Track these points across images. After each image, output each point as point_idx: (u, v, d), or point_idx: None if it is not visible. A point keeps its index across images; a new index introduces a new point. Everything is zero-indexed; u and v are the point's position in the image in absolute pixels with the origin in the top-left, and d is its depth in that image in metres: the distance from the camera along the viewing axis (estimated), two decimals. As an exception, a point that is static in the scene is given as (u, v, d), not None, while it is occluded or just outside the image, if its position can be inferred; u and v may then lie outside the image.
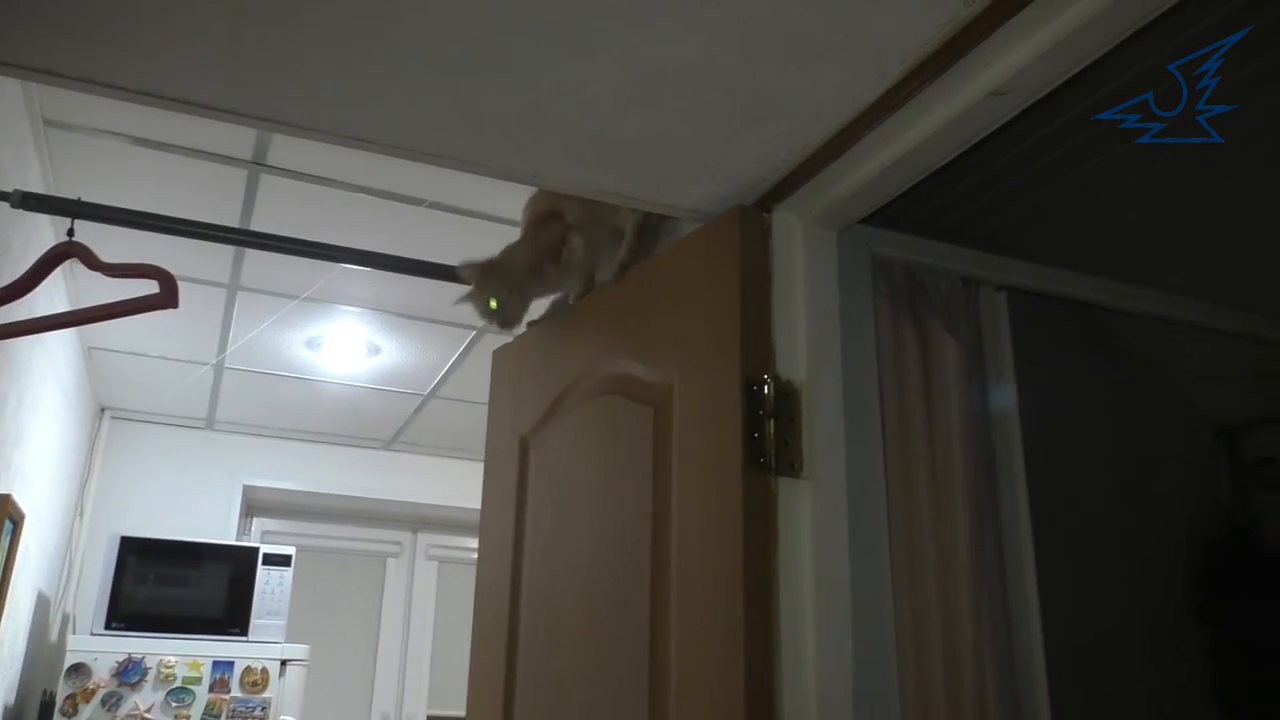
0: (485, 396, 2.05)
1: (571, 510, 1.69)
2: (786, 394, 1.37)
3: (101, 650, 3.42)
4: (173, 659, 3.47)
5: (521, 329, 1.86)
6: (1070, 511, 2.07)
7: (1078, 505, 2.13)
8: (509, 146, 1.37)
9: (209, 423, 4.56)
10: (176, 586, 3.72)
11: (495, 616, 1.81)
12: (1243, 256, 2.09)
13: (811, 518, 1.33)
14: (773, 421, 1.35)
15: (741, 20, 1.11)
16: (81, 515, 4.12)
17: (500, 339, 2.53)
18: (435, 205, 2.58)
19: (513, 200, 1.88)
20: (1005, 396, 1.68)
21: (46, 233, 2.50)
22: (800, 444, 1.36)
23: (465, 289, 1.79)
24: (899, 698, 1.36)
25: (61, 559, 3.95)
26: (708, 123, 1.30)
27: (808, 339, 1.41)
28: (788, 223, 1.47)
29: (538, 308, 1.89)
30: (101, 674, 3.37)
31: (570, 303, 1.85)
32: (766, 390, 1.36)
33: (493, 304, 1.74)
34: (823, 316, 1.43)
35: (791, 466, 1.35)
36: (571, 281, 1.80)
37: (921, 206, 1.66)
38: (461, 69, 1.20)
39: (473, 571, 1.94)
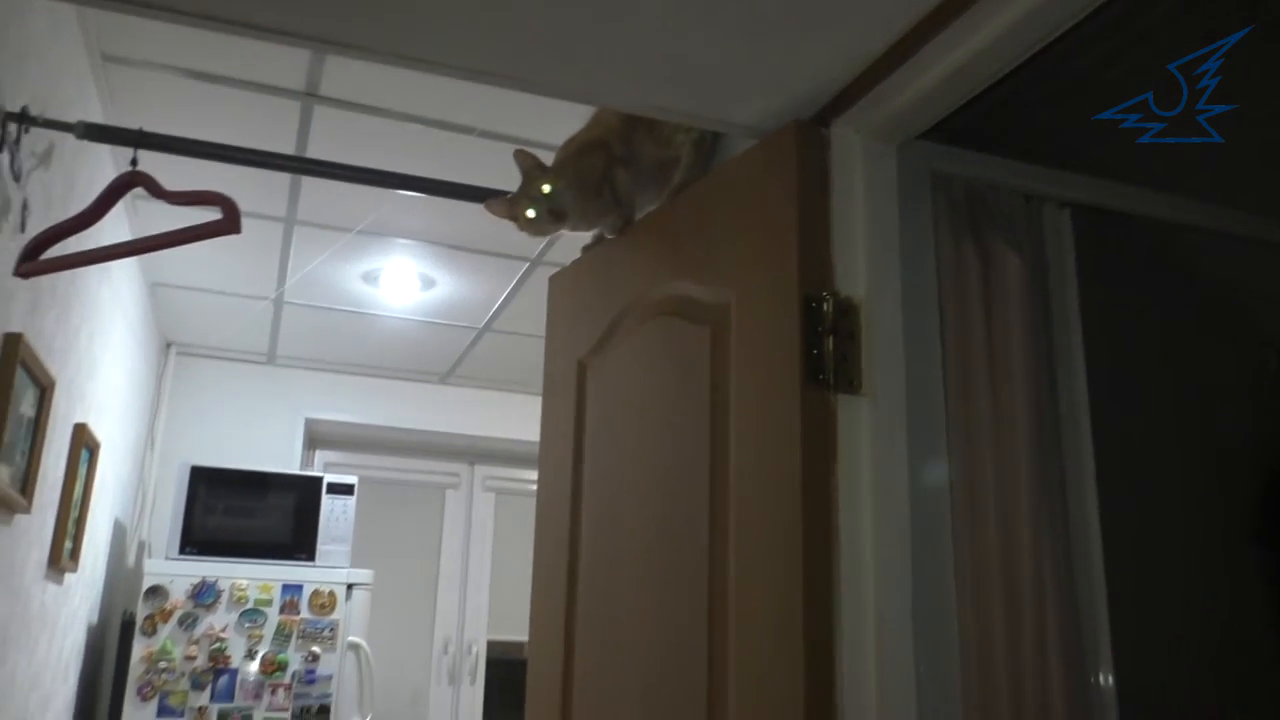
0: (540, 330, 2.06)
1: (630, 432, 1.71)
2: (845, 310, 1.36)
3: (177, 574, 3.55)
4: (244, 582, 3.59)
5: (562, 252, 1.83)
6: (1132, 432, 2.04)
7: (1139, 425, 2.09)
8: (562, 64, 1.36)
9: (270, 357, 4.65)
10: (246, 514, 3.84)
11: (556, 539, 1.84)
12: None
13: (870, 434, 1.33)
14: (831, 338, 1.35)
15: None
16: (152, 446, 4.26)
17: (556, 268, 2.54)
18: (485, 133, 2.57)
19: (562, 127, 1.87)
20: (1068, 314, 1.65)
21: (108, 166, 2.55)
22: (859, 360, 1.35)
23: (500, 198, 1.77)
24: (956, 613, 1.36)
25: (135, 488, 4.10)
26: (764, 33, 1.28)
27: (867, 255, 1.39)
28: (846, 137, 1.44)
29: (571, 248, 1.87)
30: (178, 595, 3.51)
31: (609, 237, 1.84)
32: (825, 307, 1.36)
33: (541, 199, 1.68)
34: (882, 232, 1.41)
35: (850, 383, 1.34)
36: (611, 218, 1.78)
37: (983, 122, 1.62)
38: (515, -17, 1.19)
39: (529, 503, 1.97)
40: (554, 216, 1.71)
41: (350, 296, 3.87)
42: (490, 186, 2.08)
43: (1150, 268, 2.20)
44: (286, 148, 2.67)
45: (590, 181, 1.74)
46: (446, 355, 4.62)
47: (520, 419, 4.54)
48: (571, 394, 1.87)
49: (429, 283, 3.72)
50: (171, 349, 4.45)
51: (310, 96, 2.45)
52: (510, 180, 1.86)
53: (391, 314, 4.07)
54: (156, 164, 1.96)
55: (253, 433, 4.56)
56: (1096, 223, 1.76)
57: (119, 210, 1.84)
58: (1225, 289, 2.40)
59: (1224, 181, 2.00)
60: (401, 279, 3.67)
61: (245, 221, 2.16)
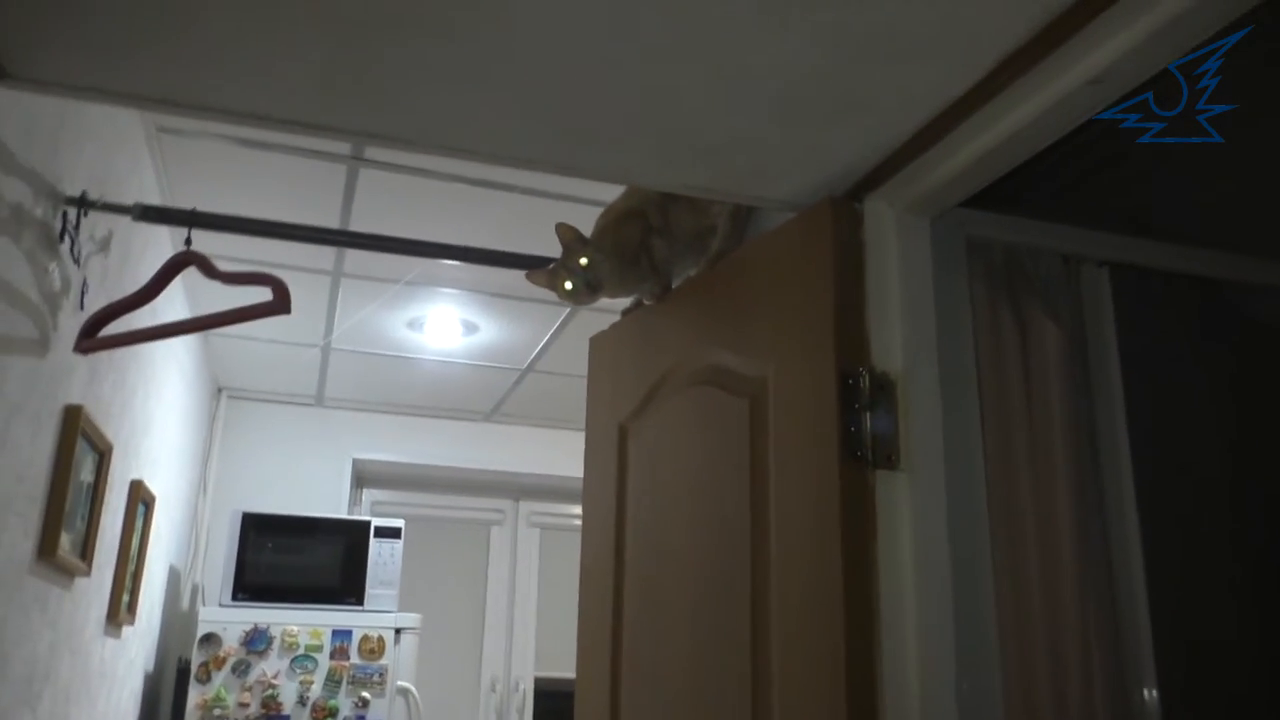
0: (580, 369, 2.10)
1: (671, 498, 1.73)
2: (882, 386, 1.37)
3: (230, 620, 3.62)
4: (295, 628, 3.65)
5: (599, 303, 1.86)
6: (1179, 487, 2.01)
7: (1186, 479, 2.07)
8: (602, 150, 1.40)
9: (319, 400, 4.74)
10: (296, 559, 3.91)
11: (600, 601, 1.86)
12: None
13: (910, 511, 1.34)
14: (869, 414, 1.36)
15: (832, 25, 1.10)
16: (205, 491, 4.34)
17: (595, 322, 2.57)
18: (528, 191, 2.62)
19: (603, 186, 1.89)
20: (1109, 377, 1.65)
21: (164, 240, 2.63)
22: (897, 436, 1.36)
23: (541, 268, 1.82)
24: (1002, 690, 1.36)
25: (188, 532, 4.18)
26: (798, 120, 1.30)
27: (903, 329, 1.40)
28: (879, 212, 1.46)
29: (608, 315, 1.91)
30: (231, 643, 3.57)
31: (647, 304, 1.88)
32: (862, 383, 1.37)
33: (576, 274, 1.73)
34: (918, 306, 1.42)
35: (889, 459, 1.35)
36: (648, 285, 1.82)
37: (1019, 183, 1.63)
38: (558, 80, 1.22)
39: (574, 537, 2.00)
40: (591, 288, 1.74)
41: (395, 342, 3.94)
42: (533, 242, 2.13)
43: (1193, 316, 2.18)
44: (333, 209, 2.73)
45: (628, 251, 1.77)
46: (490, 395, 4.67)
47: (563, 454, 4.56)
48: (613, 457, 1.90)
49: (472, 328, 3.78)
50: (223, 394, 4.55)
51: (356, 160, 2.51)
52: (550, 234, 1.90)
53: (435, 357, 4.13)
54: (210, 233, 2.03)
55: (302, 473, 4.64)
56: (1135, 278, 1.75)
57: (175, 282, 1.90)
58: (1271, 333, 2.37)
59: (1259, 231, 1.98)
60: (445, 325, 3.73)
61: (294, 275, 2.21)
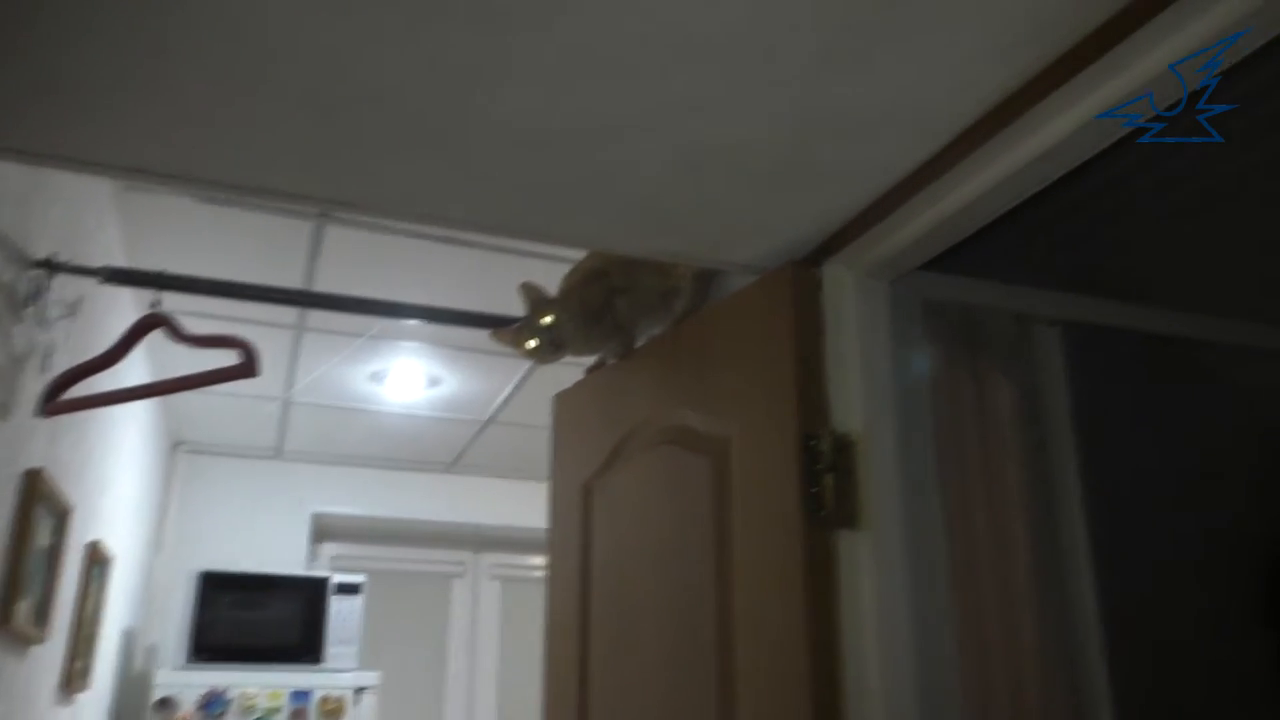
0: (543, 420, 2.12)
1: (636, 556, 1.74)
2: (843, 447, 1.41)
3: (186, 683, 3.54)
4: (254, 690, 3.58)
5: (562, 360, 1.89)
6: (1135, 534, 2.07)
7: (1142, 527, 2.12)
8: (567, 216, 1.43)
9: (278, 453, 4.69)
10: (254, 617, 3.84)
11: (565, 659, 1.86)
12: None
13: (872, 569, 1.36)
14: (830, 475, 1.39)
15: (791, 103, 1.15)
16: (161, 548, 4.27)
17: (558, 374, 2.59)
18: (493, 248, 2.65)
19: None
20: (1061, 432, 1.69)
21: (128, 301, 2.62)
22: (858, 497, 1.39)
23: (506, 327, 1.85)
24: (964, 745, 1.38)
25: (143, 591, 4.10)
26: (757, 190, 1.34)
27: (862, 391, 1.44)
28: (839, 275, 1.50)
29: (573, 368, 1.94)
30: (187, 707, 3.50)
31: (609, 363, 1.91)
32: (823, 444, 1.40)
33: (540, 333, 1.76)
34: (876, 368, 1.46)
35: (850, 519, 1.38)
36: (613, 344, 1.85)
37: (971, 243, 1.69)
38: (524, 153, 1.26)
39: (536, 588, 2.00)
40: (555, 347, 1.77)
41: (357, 395, 3.92)
42: (499, 297, 2.16)
43: (1144, 370, 2.25)
44: (299, 264, 2.74)
45: (592, 310, 1.80)
46: (451, 446, 4.66)
47: (525, 505, 4.56)
48: (578, 516, 1.91)
49: (435, 381, 3.78)
50: (179, 448, 4.49)
51: (322, 216, 2.53)
52: (517, 290, 1.93)
53: (397, 410, 4.12)
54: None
55: (260, 527, 4.58)
56: (1086, 336, 1.81)
57: (138, 346, 1.90)
58: (1220, 380, 2.45)
59: (1203, 287, 2.06)
60: (408, 378, 3.73)
61: (256, 329, 2.21)
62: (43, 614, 2.05)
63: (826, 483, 1.38)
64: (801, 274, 1.49)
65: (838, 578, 1.36)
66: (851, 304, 1.49)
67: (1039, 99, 1.10)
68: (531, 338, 1.77)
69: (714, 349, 1.61)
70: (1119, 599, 1.70)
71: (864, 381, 1.44)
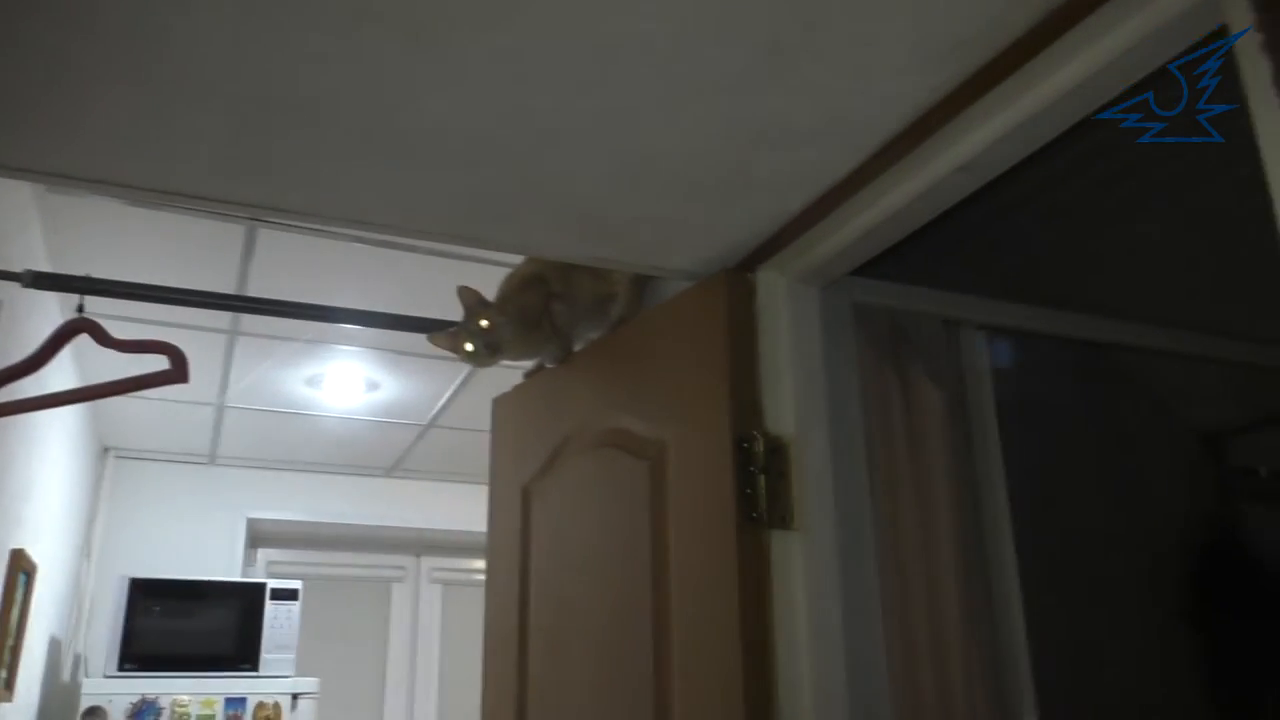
0: (483, 424, 2.12)
1: (575, 558, 1.75)
2: (776, 449, 1.43)
3: (116, 692, 3.47)
4: (186, 698, 3.52)
5: (501, 364, 1.89)
6: (1059, 534, 2.13)
7: (1066, 527, 2.19)
8: (501, 224, 1.44)
9: (211, 458, 4.61)
10: (187, 625, 3.77)
11: (504, 661, 1.87)
12: (1214, 283, 2.15)
13: (804, 569, 1.39)
14: (764, 477, 1.41)
15: (723, 114, 1.17)
16: (89, 556, 4.17)
17: (499, 377, 2.59)
18: (431, 251, 2.64)
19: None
20: (987, 435, 1.74)
21: (53, 306, 2.56)
22: (791, 498, 1.42)
23: (443, 330, 1.85)
24: (893, 740, 1.42)
25: (71, 601, 4.00)
26: (692, 199, 1.36)
27: (795, 395, 1.47)
28: (772, 282, 1.53)
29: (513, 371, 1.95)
30: (117, 716, 3.42)
31: (548, 367, 1.92)
32: (756, 447, 1.42)
33: (476, 337, 1.76)
34: (808, 372, 1.49)
35: (783, 519, 1.41)
36: (551, 348, 1.86)
37: (900, 249, 1.73)
38: (456, 160, 1.26)
39: (477, 592, 2.00)
40: (491, 350, 1.77)
41: (293, 399, 3.87)
42: (435, 302, 2.15)
43: (1068, 372, 2.32)
44: (231, 268, 2.70)
45: (530, 315, 1.81)
46: (391, 451, 4.62)
47: (466, 509, 4.54)
48: (517, 519, 1.92)
49: (373, 385, 3.74)
50: (109, 453, 4.39)
51: (254, 221, 2.49)
52: (453, 293, 1.92)
53: (335, 414, 4.07)
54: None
55: (193, 534, 4.50)
56: (1012, 340, 1.87)
57: (64, 350, 1.86)
58: (1143, 383, 2.53)
59: (1126, 293, 2.13)
60: (346, 383, 3.69)
61: (189, 334, 2.17)
62: (-36, 626, 2.00)
63: (760, 484, 1.40)
64: (735, 280, 1.52)
65: (771, 577, 1.39)
66: (784, 309, 1.51)
67: (958, 112, 1.13)
68: (468, 341, 1.77)
69: (650, 354, 1.63)
70: (1044, 597, 1.76)
71: (796, 385, 1.47)
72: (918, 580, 1.53)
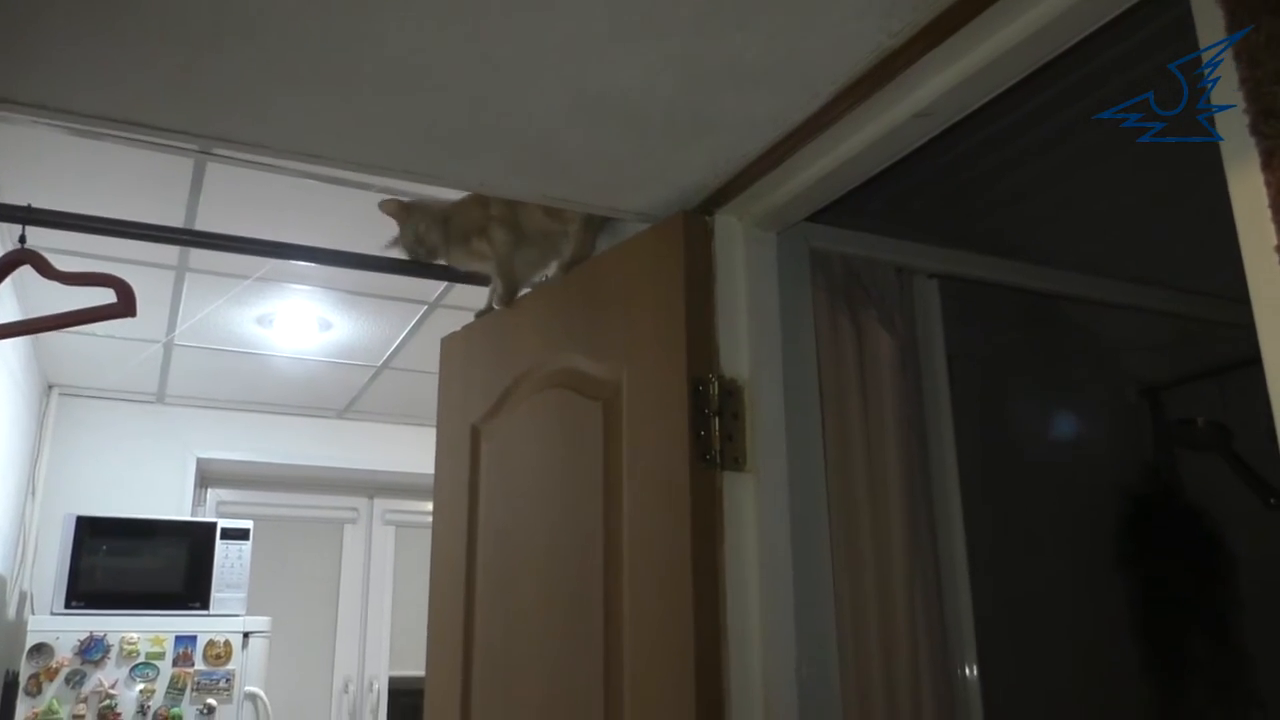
0: (437, 365, 2.12)
1: (525, 498, 1.76)
2: (730, 392, 1.45)
3: (62, 629, 3.44)
4: (135, 635, 3.50)
5: (459, 300, 1.96)
6: (1003, 478, 2.19)
7: (1010, 472, 2.25)
8: (456, 160, 1.42)
9: (160, 397, 4.54)
10: (135, 563, 3.74)
11: (451, 602, 1.88)
12: (1159, 235, 2.19)
13: (755, 510, 1.42)
14: (718, 419, 1.43)
15: (682, 54, 1.16)
16: (34, 494, 4.11)
17: (454, 319, 2.57)
18: (383, 190, 2.59)
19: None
20: (937, 382, 1.78)
21: (-10, 224, 2.49)
22: (744, 440, 1.44)
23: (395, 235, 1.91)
24: (838, 673, 1.46)
25: (15, 539, 3.95)
26: (648, 138, 1.36)
27: (750, 338, 1.48)
28: (729, 225, 1.53)
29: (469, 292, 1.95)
30: (64, 653, 3.40)
31: (495, 307, 1.91)
32: (711, 389, 1.44)
33: (413, 233, 1.88)
34: (764, 316, 1.50)
35: (736, 461, 1.43)
36: (496, 281, 1.87)
37: (856, 196, 1.74)
38: (409, 91, 1.24)
39: (429, 534, 2.01)
40: (428, 250, 1.89)
41: (244, 338, 3.82)
42: (387, 240, 2.13)
43: (1016, 321, 2.37)
44: (179, 202, 2.64)
45: (462, 227, 1.85)
46: (344, 392, 4.58)
47: (419, 451, 4.49)
48: (465, 458, 1.92)
49: (326, 325, 3.70)
50: (54, 391, 4.31)
51: (203, 154, 2.43)
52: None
53: (287, 354, 4.02)
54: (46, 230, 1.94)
55: (142, 474, 4.45)
56: (963, 287, 1.89)
57: (5, 283, 1.81)
58: (1086, 334, 2.59)
59: (1075, 244, 2.17)
60: (298, 322, 3.64)
61: (136, 269, 2.12)
62: (-95, 562, 1.96)
63: (714, 426, 1.42)
64: (692, 223, 1.52)
65: (723, 517, 1.41)
66: (740, 253, 1.52)
67: (918, 57, 1.13)
68: (407, 236, 1.87)
69: (605, 295, 1.63)
70: (987, 541, 1.81)
71: (752, 328, 1.49)
72: (866, 522, 1.56)
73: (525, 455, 1.78)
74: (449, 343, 2.09)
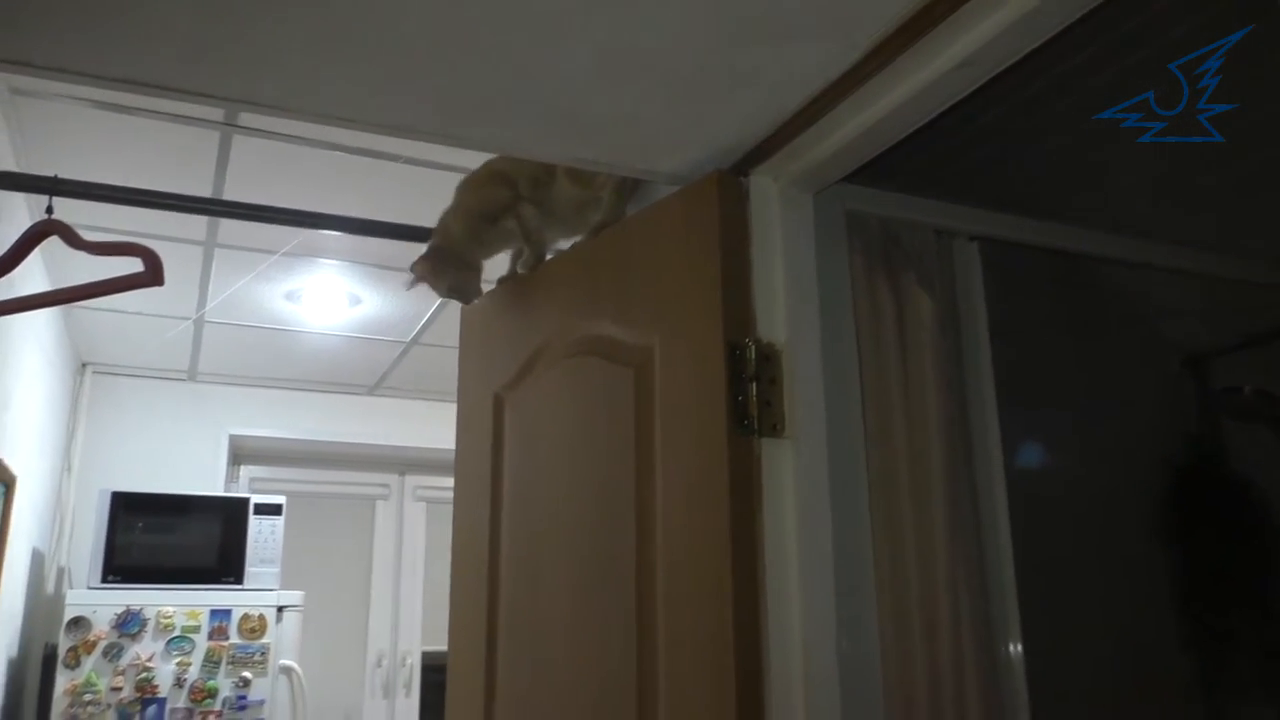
0: (459, 335, 2.10)
1: (551, 466, 1.73)
2: (768, 356, 1.41)
3: (100, 603, 3.48)
4: (171, 609, 3.53)
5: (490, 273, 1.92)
6: (1045, 445, 2.14)
7: (1052, 438, 2.20)
8: (484, 122, 1.38)
9: (191, 374, 4.57)
10: (170, 539, 3.77)
11: (474, 574, 1.86)
12: (1203, 197, 2.13)
13: (794, 476, 1.38)
14: (755, 384, 1.39)
15: (716, 6, 1.12)
16: (70, 471, 4.15)
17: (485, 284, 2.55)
18: (410, 160, 2.57)
19: (486, 155, 1.89)
20: (979, 346, 1.73)
21: (21, 209, 2.49)
22: (782, 405, 1.40)
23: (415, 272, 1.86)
24: (879, 647, 1.42)
25: (53, 514, 3.99)
26: (681, 96, 1.31)
27: (787, 302, 1.44)
28: (764, 186, 1.49)
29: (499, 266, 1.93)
30: (101, 626, 3.44)
31: (520, 271, 1.88)
32: (748, 354, 1.40)
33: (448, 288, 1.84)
34: (801, 279, 1.46)
35: (774, 427, 1.39)
36: (526, 255, 1.83)
37: (894, 157, 1.69)
38: (436, 51, 1.21)
39: None
40: (467, 297, 1.89)
41: (273, 315, 3.82)
42: (414, 213, 2.12)
43: (1058, 288, 2.31)
44: (206, 177, 2.63)
45: (487, 210, 1.79)
46: (374, 368, 4.59)
47: (449, 428, 4.49)
48: (489, 428, 1.89)
49: (355, 300, 3.69)
50: (87, 369, 4.34)
51: (229, 126, 2.42)
52: (432, 205, 1.89)
53: (316, 330, 4.03)
54: (74, 201, 1.93)
55: (175, 451, 4.48)
56: (1004, 251, 1.84)
57: (34, 254, 1.80)
58: (1130, 302, 2.53)
59: (1119, 207, 2.11)
60: (327, 297, 3.64)
61: (164, 245, 2.09)
62: (-58, 534, 1.97)
63: (751, 391, 1.38)
64: (727, 184, 1.48)
65: (761, 485, 1.37)
66: (776, 214, 1.48)
67: (960, 4, 1.09)
68: (440, 281, 1.82)
69: (636, 259, 1.59)
70: (1028, 508, 1.76)
71: (789, 291, 1.44)
72: (906, 489, 1.52)
73: (551, 423, 1.75)
74: (469, 311, 2.06)
